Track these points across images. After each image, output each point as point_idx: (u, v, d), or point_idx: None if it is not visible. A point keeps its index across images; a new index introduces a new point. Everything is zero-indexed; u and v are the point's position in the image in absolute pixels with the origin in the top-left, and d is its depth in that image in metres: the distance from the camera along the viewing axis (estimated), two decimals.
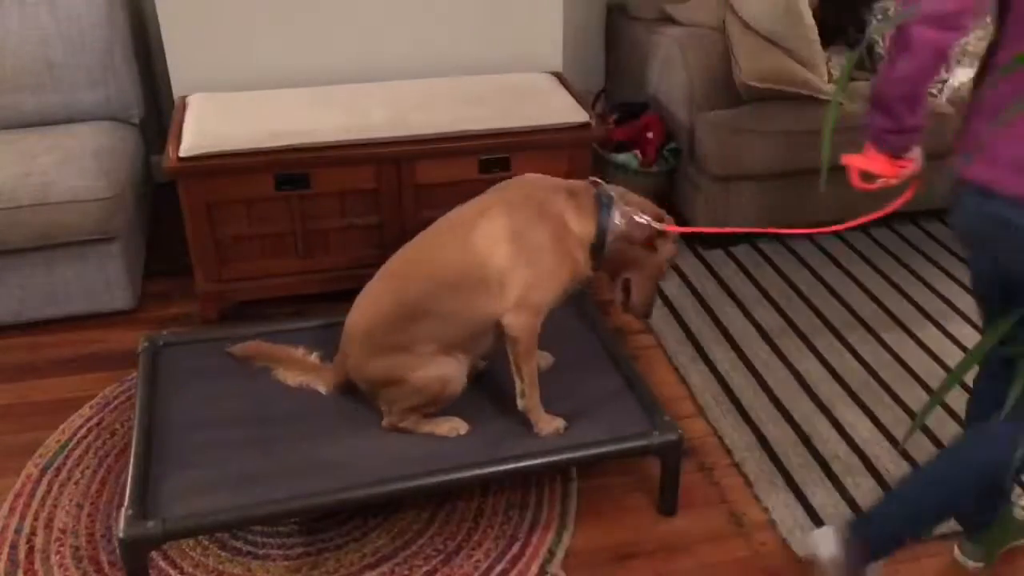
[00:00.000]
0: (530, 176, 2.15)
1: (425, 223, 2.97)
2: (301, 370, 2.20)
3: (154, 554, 1.98)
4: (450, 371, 2.04)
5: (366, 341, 2.05)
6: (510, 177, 2.74)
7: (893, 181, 1.73)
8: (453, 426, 2.08)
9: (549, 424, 2.09)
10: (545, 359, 2.29)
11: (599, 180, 2.10)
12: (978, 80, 1.71)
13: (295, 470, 1.96)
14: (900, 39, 1.53)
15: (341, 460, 1.99)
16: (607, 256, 2.05)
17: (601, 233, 2.02)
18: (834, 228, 1.95)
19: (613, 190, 2.06)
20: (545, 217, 2.01)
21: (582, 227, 2.03)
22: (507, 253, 1.98)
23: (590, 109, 2.89)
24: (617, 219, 2.02)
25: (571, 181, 2.11)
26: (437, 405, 2.08)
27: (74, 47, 2.90)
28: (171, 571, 1.97)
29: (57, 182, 2.58)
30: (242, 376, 2.22)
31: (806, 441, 2.37)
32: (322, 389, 2.18)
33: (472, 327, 2.03)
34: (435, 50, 3.10)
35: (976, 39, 3.42)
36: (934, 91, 3.24)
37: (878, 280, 3.09)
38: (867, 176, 1.75)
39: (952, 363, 2.65)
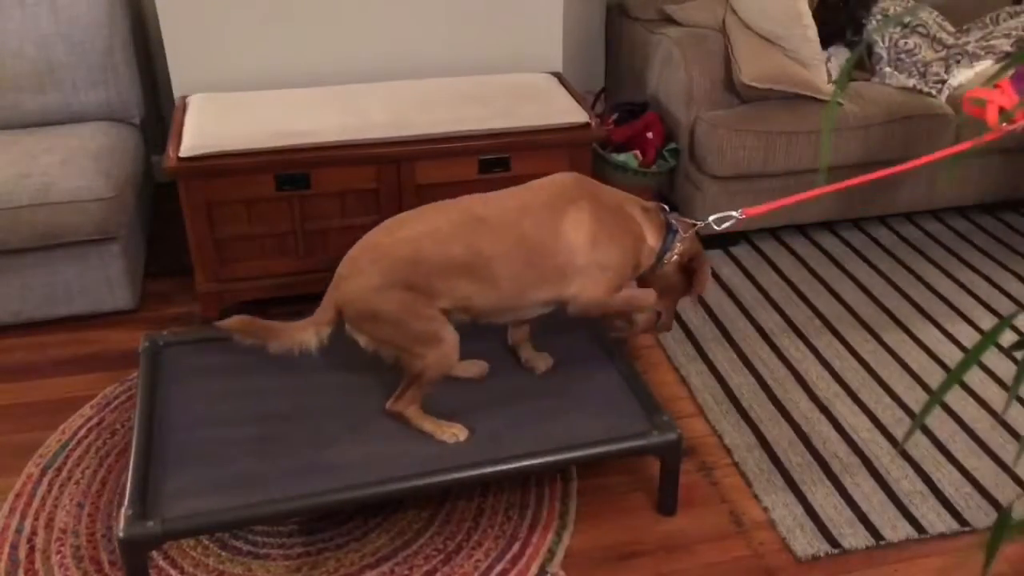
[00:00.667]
0: (591, 180, 2.22)
1: None
2: (289, 333, 2.05)
3: (154, 554, 1.98)
4: (449, 338, 2.02)
5: (403, 269, 1.98)
6: (510, 177, 2.77)
7: (1019, 124, 1.80)
8: (454, 432, 2.07)
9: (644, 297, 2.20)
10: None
11: (665, 206, 2.21)
12: None
13: (295, 470, 1.96)
14: None
15: (341, 460, 1.99)
16: (655, 275, 2.19)
17: (662, 253, 2.16)
18: (923, 160, 1.99)
19: (674, 217, 2.20)
20: (626, 223, 2.12)
21: (655, 241, 2.16)
22: (587, 246, 2.05)
23: (590, 109, 2.89)
24: (677, 245, 2.16)
25: (641, 199, 2.19)
26: (425, 375, 2.03)
27: (74, 47, 2.90)
28: (171, 571, 1.97)
29: (57, 182, 2.58)
30: (242, 376, 2.23)
31: (806, 441, 2.37)
32: (315, 341, 2.04)
33: (511, 302, 2.07)
34: (435, 50, 3.11)
35: (975, 40, 3.42)
36: (933, 91, 3.25)
37: (878, 280, 3.09)
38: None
39: (952, 363, 2.65)
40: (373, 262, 2.01)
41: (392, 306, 1.99)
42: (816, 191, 2.20)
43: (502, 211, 2.07)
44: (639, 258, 2.14)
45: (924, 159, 2.06)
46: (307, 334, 2.04)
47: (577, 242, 2.04)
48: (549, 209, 2.06)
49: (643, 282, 2.22)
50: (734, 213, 2.19)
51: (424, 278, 1.99)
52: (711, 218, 2.20)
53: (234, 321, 2.06)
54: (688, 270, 2.22)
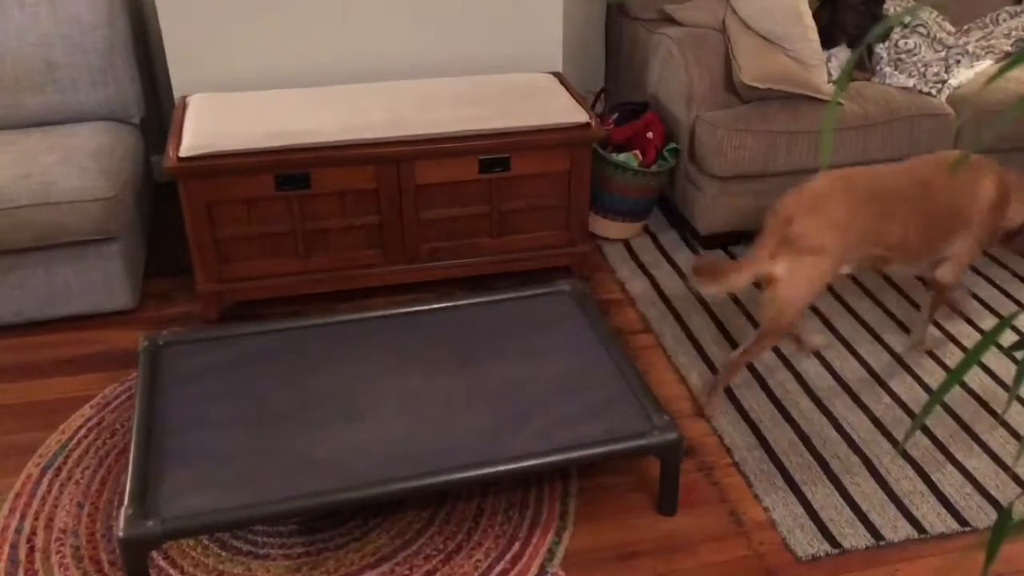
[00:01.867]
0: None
1: (425, 223, 2.98)
2: (728, 274, 2.24)
3: (154, 554, 1.98)
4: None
5: (873, 216, 2.26)
6: (510, 177, 2.77)
7: None
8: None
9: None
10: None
11: None
12: None
13: (295, 470, 1.96)
14: None
15: (341, 460, 1.99)
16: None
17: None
18: None
19: None
20: (1008, 195, 2.44)
21: (1017, 216, 2.49)
22: (985, 212, 2.39)
23: (590, 109, 2.90)
24: None
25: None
26: (781, 318, 2.30)
27: (74, 47, 2.90)
28: (171, 571, 1.97)
29: (57, 182, 2.58)
30: (242, 375, 2.23)
31: (806, 441, 2.37)
32: (747, 282, 2.26)
33: (923, 252, 2.39)
34: (435, 50, 3.11)
35: (975, 40, 3.42)
36: (933, 91, 3.25)
37: (878, 280, 3.09)
38: None
39: (952, 363, 2.65)
40: (852, 204, 2.27)
41: (839, 245, 2.25)
42: None
43: (937, 175, 2.36)
44: (990, 231, 2.46)
45: None
46: (741, 277, 2.25)
47: (981, 206, 2.37)
48: (972, 174, 2.39)
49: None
50: None
51: (883, 224, 2.27)
52: None
53: (704, 257, 2.34)
54: None
